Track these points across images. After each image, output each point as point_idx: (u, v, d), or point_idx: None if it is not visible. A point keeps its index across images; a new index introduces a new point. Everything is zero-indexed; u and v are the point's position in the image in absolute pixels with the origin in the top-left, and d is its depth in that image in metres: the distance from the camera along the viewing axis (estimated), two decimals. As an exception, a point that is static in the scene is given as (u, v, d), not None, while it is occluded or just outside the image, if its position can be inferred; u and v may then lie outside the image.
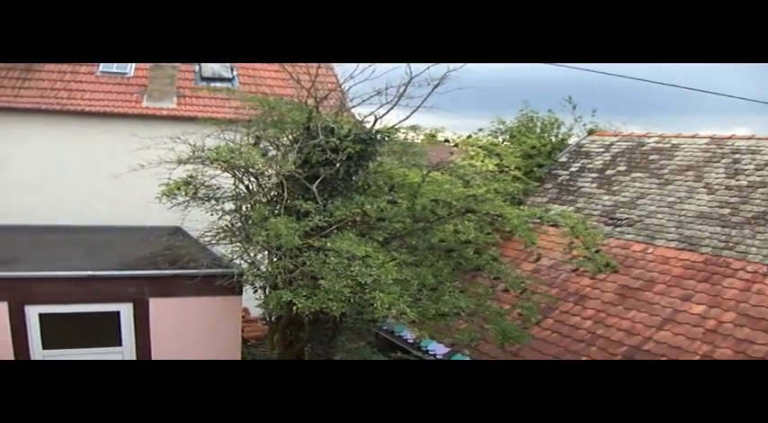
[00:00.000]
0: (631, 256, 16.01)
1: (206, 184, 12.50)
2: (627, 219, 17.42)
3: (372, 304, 10.18)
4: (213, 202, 13.02)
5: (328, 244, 10.88)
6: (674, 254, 15.57)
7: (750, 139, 18.38)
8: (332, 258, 10.54)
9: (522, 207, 13.81)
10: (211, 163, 12.12)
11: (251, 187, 13.20)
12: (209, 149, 12.34)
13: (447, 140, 15.74)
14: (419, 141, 14.53)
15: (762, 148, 17.80)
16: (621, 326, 14.11)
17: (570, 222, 12.26)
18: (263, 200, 12.75)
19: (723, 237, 15.41)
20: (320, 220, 11.39)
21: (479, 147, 19.65)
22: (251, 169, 12.52)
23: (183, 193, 12.01)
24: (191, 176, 11.92)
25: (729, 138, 18.82)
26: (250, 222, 12.32)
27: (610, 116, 23.50)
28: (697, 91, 15.48)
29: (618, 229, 17.09)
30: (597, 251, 12.73)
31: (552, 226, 13.74)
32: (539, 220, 13.29)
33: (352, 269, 10.28)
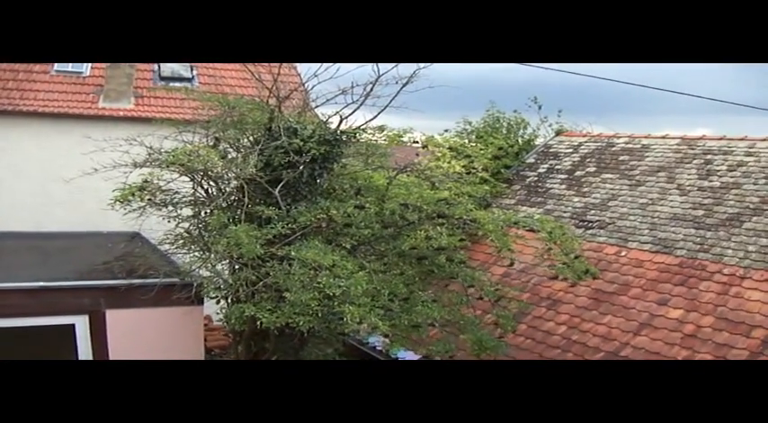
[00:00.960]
0: (604, 259, 15.31)
1: (163, 188, 11.67)
2: (598, 221, 16.74)
3: (342, 318, 9.38)
4: (170, 207, 12.16)
5: (292, 253, 10.04)
6: (649, 257, 14.89)
7: (721, 139, 17.77)
8: (297, 268, 9.72)
9: (493, 209, 13.10)
10: (168, 166, 11.28)
11: (210, 191, 12.37)
12: (165, 152, 11.53)
13: (416, 141, 15.00)
14: (384, 142, 13.75)
15: (733, 148, 17.22)
16: (597, 331, 13.42)
17: (547, 227, 11.56)
18: (223, 205, 11.91)
19: (698, 239, 14.76)
20: (283, 226, 10.57)
21: (448, 148, 18.87)
22: (210, 172, 11.68)
23: (138, 199, 11.19)
24: (145, 181, 11.08)
25: (700, 138, 18.20)
26: (209, 229, 11.47)
27: (575, 117, 22.80)
28: (660, 91, 14.93)
29: (589, 231, 16.40)
30: (576, 257, 12.03)
31: (529, 231, 12.98)
32: (514, 225, 12.54)
33: (319, 280, 9.47)
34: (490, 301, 12.36)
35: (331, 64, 11.72)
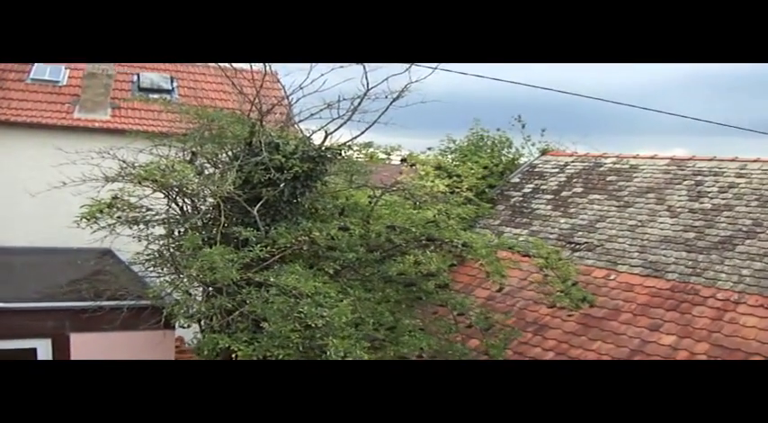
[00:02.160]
0: (593, 282, 14.37)
1: (135, 205, 10.71)
2: (586, 243, 15.88)
3: (325, 351, 8.42)
4: (142, 225, 11.17)
5: (271, 278, 9.08)
6: (639, 280, 14.05)
7: (711, 160, 17.05)
8: (276, 296, 8.76)
9: (483, 232, 12.21)
10: (140, 182, 10.32)
11: (185, 209, 11.39)
12: (139, 167, 10.58)
13: (404, 159, 14.16)
14: (368, 160, 12.87)
15: (724, 169, 16.49)
16: (586, 358, 12.50)
17: (543, 252, 10.66)
18: (198, 224, 10.93)
19: (690, 262, 13.97)
20: (261, 249, 9.60)
21: (437, 167, 17.96)
22: (185, 189, 10.71)
23: (107, 216, 10.21)
24: (114, 197, 10.12)
25: (690, 159, 17.46)
26: (181, 251, 10.47)
27: (558, 136, 21.90)
28: (636, 112, 14.20)
29: (577, 253, 15.52)
30: (574, 284, 11.15)
31: (524, 256, 12.07)
32: (508, 249, 11.64)
33: (300, 309, 8.52)
34: (480, 329, 11.44)
35: (318, 76, 10.99)
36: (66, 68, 19.99)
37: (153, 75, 20.79)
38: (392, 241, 11.00)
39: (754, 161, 16.38)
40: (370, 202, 11.63)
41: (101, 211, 10.01)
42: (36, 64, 19.49)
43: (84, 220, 9.92)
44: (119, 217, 10.38)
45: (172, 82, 21.07)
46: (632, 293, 13.75)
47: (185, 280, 9.99)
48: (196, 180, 10.33)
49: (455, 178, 17.97)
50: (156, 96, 18.94)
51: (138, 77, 20.72)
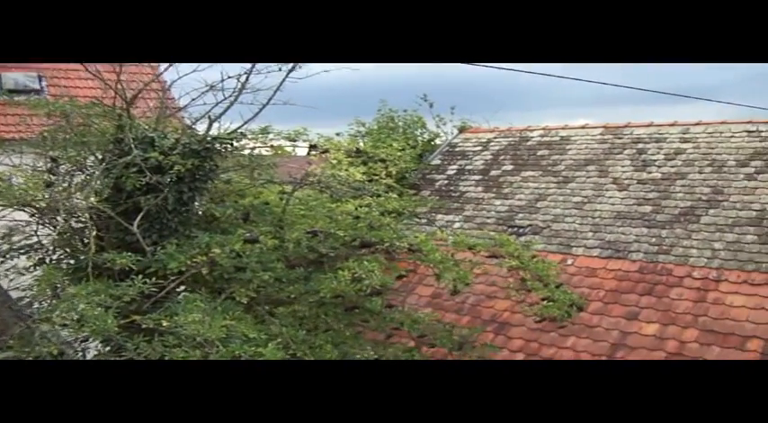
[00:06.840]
0: (548, 269, 11.94)
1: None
2: (530, 225, 13.33)
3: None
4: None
5: (164, 322, 6.03)
6: (601, 263, 11.94)
7: (649, 126, 14.92)
8: (174, 349, 5.74)
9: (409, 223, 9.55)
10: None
11: (62, 230, 8.27)
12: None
13: (313, 146, 11.52)
14: (269, 152, 10.06)
15: (665, 135, 14.39)
16: (563, 357, 10.46)
17: (511, 248, 7.94)
18: (67, 250, 7.83)
19: (653, 239, 12.01)
20: (145, 280, 6.53)
21: (356, 152, 15.14)
22: (34, 205, 7.56)
23: None
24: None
25: (626, 126, 15.23)
26: (35, 291, 7.28)
27: (468, 115, 19.21)
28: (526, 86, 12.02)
29: (522, 238, 12.89)
30: (558, 286, 8.53)
31: (490, 256, 9.36)
32: (469, 249, 8.88)
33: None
34: (450, 351, 8.69)
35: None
36: None
37: (17, 75, 17.56)
38: (316, 250, 8.11)
39: (697, 124, 14.47)
40: (281, 200, 8.88)
41: None
42: None
43: None
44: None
45: (40, 81, 17.85)
46: (597, 279, 11.85)
47: (37, 335, 6.77)
48: (45, 194, 7.15)
49: (372, 165, 15.22)
50: (25, 98, 15.63)
51: (1, 78, 17.37)
